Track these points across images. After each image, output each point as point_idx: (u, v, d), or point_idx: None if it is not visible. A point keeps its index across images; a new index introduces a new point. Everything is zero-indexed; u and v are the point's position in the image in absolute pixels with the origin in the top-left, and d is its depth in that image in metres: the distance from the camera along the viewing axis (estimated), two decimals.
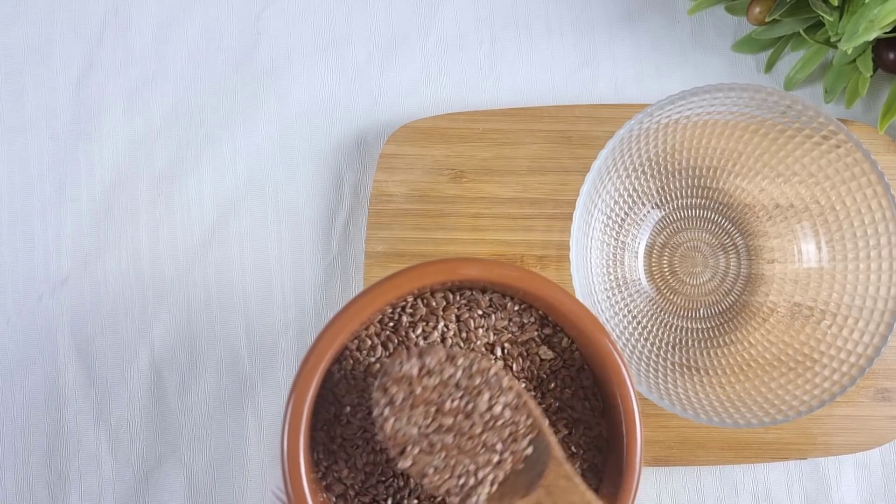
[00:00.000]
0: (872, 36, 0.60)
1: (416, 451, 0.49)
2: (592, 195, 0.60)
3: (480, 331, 0.55)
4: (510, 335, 0.56)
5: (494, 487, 0.49)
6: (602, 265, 0.64)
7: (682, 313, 0.66)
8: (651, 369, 0.62)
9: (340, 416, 0.54)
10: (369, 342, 0.55)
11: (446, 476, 0.50)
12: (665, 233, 0.66)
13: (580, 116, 0.67)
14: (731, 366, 0.63)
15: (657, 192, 0.66)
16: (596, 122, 0.67)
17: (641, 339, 0.64)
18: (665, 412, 0.64)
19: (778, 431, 0.66)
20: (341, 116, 0.70)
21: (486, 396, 0.50)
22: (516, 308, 0.56)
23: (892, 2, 0.59)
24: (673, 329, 0.66)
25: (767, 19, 0.65)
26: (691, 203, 0.66)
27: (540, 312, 0.56)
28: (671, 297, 0.66)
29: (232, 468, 0.67)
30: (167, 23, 0.71)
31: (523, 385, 0.55)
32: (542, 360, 0.56)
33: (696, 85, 0.59)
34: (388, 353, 0.54)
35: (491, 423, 0.50)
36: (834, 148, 0.59)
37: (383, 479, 0.54)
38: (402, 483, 0.54)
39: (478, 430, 0.50)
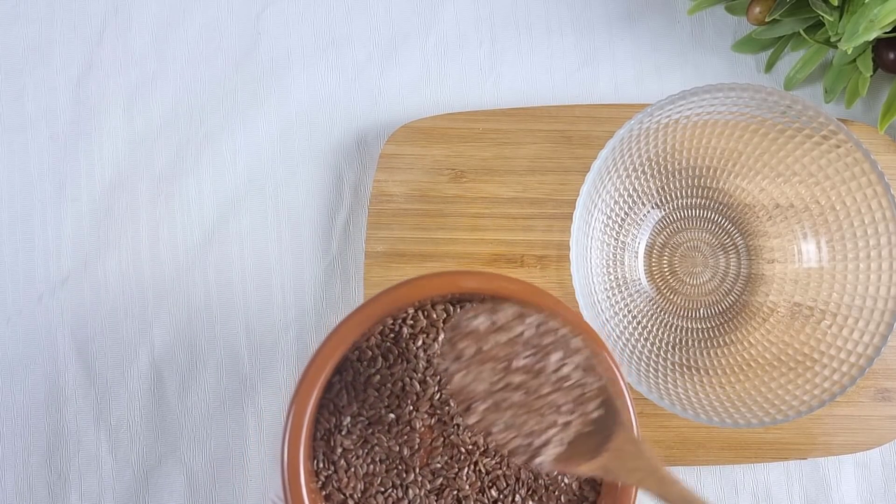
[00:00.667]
0: (872, 36, 0.60)
1: (483, 407, 0.49)
2: (592, 195, 0.60)
3: None
4: None
5: (561, 449, 0.49)
6: (602, 265, 0.64)
7: (682, 313, 0.66)
8: (651, 369, 0.62)
9: (341, 426, 0.54)
10: (370, 353, 0.55)
11: (512, 435, 0.49)
12: (665, 233, 0.66)
13: (580, 116, 0.67)
14: (731, 366, 0.63)
15: (657, 192, 0.66)
16: (596, 122, 0.67)
17: (641, 339, 0.64)
18: (665, 412, 0.64)
19: (778, 431, 0.66)
20: (341, 116, 0.70)
21: (555, 356, 0.49)
22: None
23: (892, 2, 0.59)
24: (673, 329, 0.66)
25: (767, 19, 0.65)
26: (691, 203, 0.66)
27: None
28: (671, 296, 0.66)
29: (232, 468, 0.67)
30: (167, 23, 0.71)
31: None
32: None
33: (696, 85, 0.59)
34: (388, 364, 0.55)
35: (559, 384, 0.49)
36: (834, 148, 0.59)
37: (383, 489, 0.54)
38: (400, 494, 0.54)
39: (546, 389, 0.48)
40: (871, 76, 0.65)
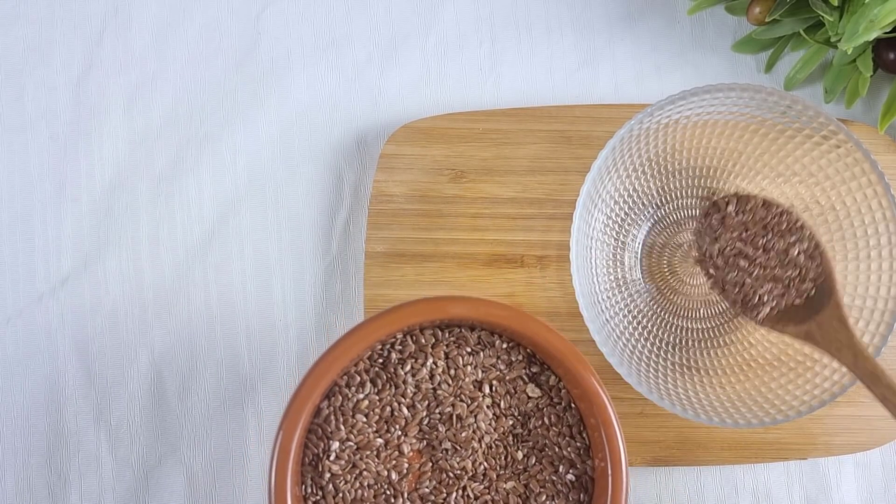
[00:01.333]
0: (872, 36, 0.60)
1: (714, 265, 0.61)
2: (592, 195, 0.60)
3: (469, 368, 0.57)
4: (498, 373, 0.57)
5: (774, 311, 0.59)
6: (602, 265, 0.64)
7: (682, 313, 0.66)
8: (651, 369, 0.62)
9: (329, 451, 0.55)
10: (358, 378, 0.56)
11: (735, 290, 0.60)
12: (665, 233, 0.66)
13: (580, 116, 0.67)
14: (732, 366, 0.63)
15: (657, 192, 0.66)
16: (596, 122, 0.67)
17: (641, 339, 0.64)
18: (665, 412, 0.64)
19: (778, 431, 0.66)
20: (341, 116, 0.70)
21: (787, 239, 0.59)
22: (504, 346, 0.57)
23: (892, 2, 0.59)
24: (673, 329, 0.66)
25: (767, 19, 0.65)
26: (692, 203, 0.66)
27: (528, 350, 0.57)
28: (671, 296, 0.66)
29: (232, 468, 0.67)
30: (167, 23, 0.71)
31: (510, 422, 0.57)
32: (529, 397, 0.57)
33: (697, 85, 0.59)
34: (376, 390, 0.55)
35: (785, 262, 0.59)
36: (834, 148, 0.59)
37: None
38: None
39: (772, 263, 0.59)
40: (871, 76, 0.65)
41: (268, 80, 0.70)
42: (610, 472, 0.54)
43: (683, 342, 0.65)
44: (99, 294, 0.68)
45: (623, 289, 0.65)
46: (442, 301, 0.54)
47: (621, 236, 0.65)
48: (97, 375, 0.67)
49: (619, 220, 0.65)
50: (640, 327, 0.64)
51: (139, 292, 0.68)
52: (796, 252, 0.59)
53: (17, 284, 0.68)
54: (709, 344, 0.65)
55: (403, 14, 0.71)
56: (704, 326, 0.66)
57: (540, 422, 0.57)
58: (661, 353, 0.64)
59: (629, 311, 0.65)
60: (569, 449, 0.56)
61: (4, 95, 0.70)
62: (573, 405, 0.57)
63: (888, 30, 0.61)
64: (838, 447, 0.66)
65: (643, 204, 0.66)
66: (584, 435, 0.57)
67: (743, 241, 0.60)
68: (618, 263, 0.65)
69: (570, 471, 0.56)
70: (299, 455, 0.53)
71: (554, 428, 0.57)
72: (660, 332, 0.65)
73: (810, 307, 0.58)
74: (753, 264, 0.60)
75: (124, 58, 0.70)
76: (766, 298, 0.59)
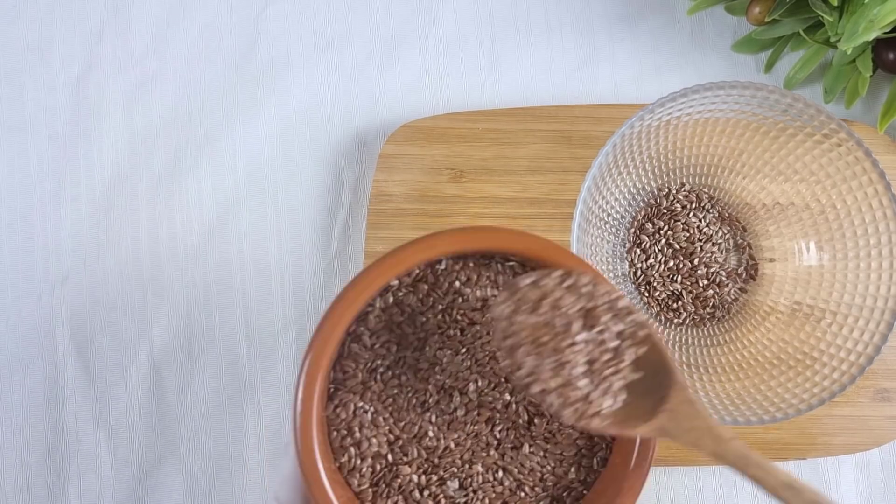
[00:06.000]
0: (872, 36, 0.60)
1: (530, 361, 0.47)
2: (593, 193, 0.60)
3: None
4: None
5: (613, 409, 0.48)
6: (602, 264, 0.64)
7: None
8: None
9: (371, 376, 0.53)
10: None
11: (559, 398, 0.47)
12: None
13: (580, 116, 0.68)
14: (731, 364, 0.63)
15: (657, 190, 0.66)
16: (595, 121, 0.67)
17: None
18: None
19: (777, 432, 0.66)
20: (341, 116, 0.70)
21: (604, 319, 0.48)
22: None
23: (891, 2, 0.59)
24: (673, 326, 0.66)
25: (767, 19, 0.65)
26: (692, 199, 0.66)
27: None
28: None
29: (231, 468, 0.67)
30: (167, 22, 0.71)
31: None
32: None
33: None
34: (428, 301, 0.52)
35: (603, 346, 0.48)
36: (835, 146, 0.59)
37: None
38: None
39: (589, 351, 0.47)
40: (871, 76, 0.65)
41: (267, 79, 0.70)
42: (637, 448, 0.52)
43: (683, 340, 0.65)
44: (98, 293, 0.68)
45: (624, 287, 0.65)
46: (499, 231, 0.50)
47: (621, 235, 0.65)
48: (96, 375, 0.67)
49: (619, 218, 0.65)
50: None
51: (139, 292, 0.68)
52: (619, 329, 0.48)
53: (16, 283, 0.68)
54: (709, 342, 0.65)
55: (403, 14, 0.71)
56: (704, 325, 0.66)
57: None
58: None
59: None
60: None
61: (4, 95, 0.70)
62: None
63: (887, 30, 0.61)
64: (838, 447, 0.66)
65: (643, 202, 0.66)
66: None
67: (546, 332, 0.48)
68: (618, 262, 0.65)
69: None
70: (325, 383, 0.50)
71: None
72: (660, 330, 0.65)
73: (656, 393, 0.48)
74: (568, 359, 0.47)
75: (124, 57, 0.70)
76: (596, 397, 0.47)
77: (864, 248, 0.61)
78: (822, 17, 0.62)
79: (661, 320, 0.66)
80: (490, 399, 0.51)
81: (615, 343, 0.48)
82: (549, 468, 0.52)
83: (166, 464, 0.67)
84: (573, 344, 0.47)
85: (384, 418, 0.51)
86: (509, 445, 0.52)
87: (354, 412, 0.50)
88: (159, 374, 0.68)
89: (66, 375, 0.67)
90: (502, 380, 0.52)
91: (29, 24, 0.70)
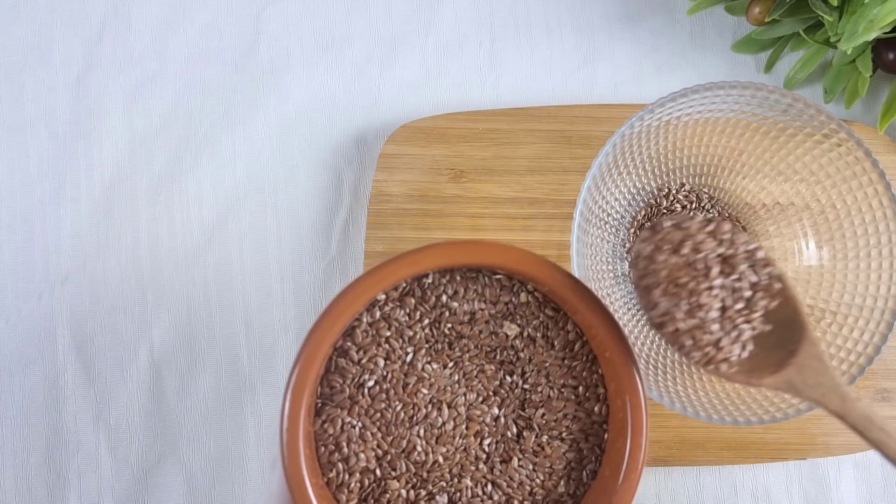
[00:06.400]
0: (872, 36, 0.60)
1: (666, 303, 0.50)
2: (593, 193, 0.60)
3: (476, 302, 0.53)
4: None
5: (742, 359, 0.50)
6: (602, 262, 0.64)
7: None
8: (651, 367, 0.62)
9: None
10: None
11: (688, 340, 0.50)
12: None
13: (579, 116, 0.68)
14: None
15: (657, 190, 0.66)
16: (595, 122, 0.67)
17: (641, 335, 0.64)
18: (665, 412, 0.64)
19: (777, 432, 0.66)
20: (341, 116, 0.70)
21: (739, 267, 0.50)
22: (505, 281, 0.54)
23: (891, 2, 0.59)
24: None
25: (767, 19, 0.65)
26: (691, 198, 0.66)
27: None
28: None
29: (231, 468, 0.67)
30: (167, 23, 0.71)
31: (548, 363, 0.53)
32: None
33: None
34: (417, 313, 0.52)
35: (742, 296, 0.50)
36: (835, 146, 0.59)
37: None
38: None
39: (726, 298, 0.49)
40: (871, 76, 0.65)
41: (267, 79, 0.70)
42: (629, 405, 0.52)
43: None
44: (98, 293, 0.68)
45: (623, 285, 0.65)
46: (472, 245, 0.50)
47: (621, 234, 0.65)
48: (96, 375, 0.67)
49: (619, 217, 0.65)
50: (640, 324, 0.64)
51: (139, 292, 0.68)
52: (754, 280, 0.50)
53: (16, 283, 0.68)
54: None
55: (403, 14, 0.71)
56: None
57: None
58: (661, 350, 0.64)
59: (629, 310, 0.65)
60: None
61: (4, 95, 0.70)
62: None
63: (887, 30, 0.61)
64: (837, 447, 0.66)
65: (643, 202, 0.66)
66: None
67: (686, 272, 0.50)
68: (617, 261, 0.65)
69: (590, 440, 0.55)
70: (314, 386, 0.50)
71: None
72: None
73: (786, 346, 0.49)
74: (703, 301, 0.49)
75: (124, 58, 0.70)
76: (726, 344, 0.50)
77: (864, 248, 0.60)
78: (822, 17, 0.62)
79: None
80: (478, 413, 0.52)
81: (749, 293, 0.50)
82: (538, 481, 0.52)
83: (166, 464, 0.67)
84: (710, 288, 0.50)
85: (372, 433, 0.51)
86: (498, 459, 0.52)
87: (342, 427, 0.51)
88: (159, 374, 0.68)
89: (66, 375, 0.67)
90: (491, 393, 0.52)
91: (29, 24, 0.70)
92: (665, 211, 0.66)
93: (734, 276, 0.50)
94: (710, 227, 0.51)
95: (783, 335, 0.50)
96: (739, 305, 0.50)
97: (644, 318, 0.56)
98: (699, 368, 0.53)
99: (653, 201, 0.66)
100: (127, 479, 0.67)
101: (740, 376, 0.49)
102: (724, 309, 0.50)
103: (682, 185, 0.66)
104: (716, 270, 0.50)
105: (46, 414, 0.67)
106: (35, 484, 0.67)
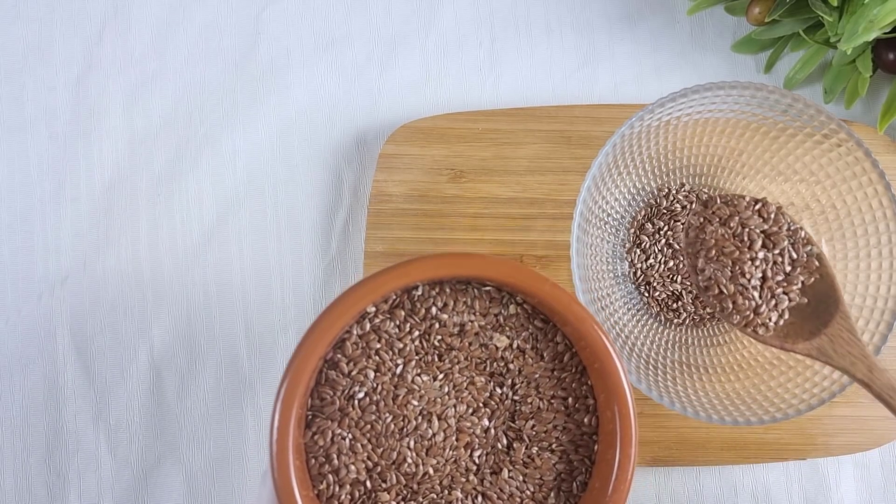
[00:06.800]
0: (872, 36, 0.60)
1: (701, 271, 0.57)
2: (593, 194, 0.60)
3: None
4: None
5: (778, 325, 0.56)
6: (602, 262, 0.64)
7: None
8: (651, 367, 0.62)
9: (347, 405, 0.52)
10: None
11: (728, 302, 0.56)
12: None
13: (579, 116, 0.68)
14: (731, 364, 0.63)
15: (657, 190, 0.66)
16: (595, 122, 0.67)
17: (641, 336, 0.64)
18: (664, 412, 0.64)
19: (777, 432, 0.66)
20: (341, 116, 0.70)
21: (782, 243, 0.56)
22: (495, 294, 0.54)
23: (891, 2, 0.59)
24: (673, 326, 0.66)
25: (767, 19, 0.65)
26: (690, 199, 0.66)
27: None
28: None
29: (231, 468, 0.67)
30: (167, 23, 0.71)
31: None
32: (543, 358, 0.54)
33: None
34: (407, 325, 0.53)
35: (784, 269, 0.56)
36: (835, 147, 0.59)
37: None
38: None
39: (768, 269, 0.56)
40: (871, 76, 0.65)
41: (267, 79, 0.70)
42: (618, 414, 0.52)
43: (683, 340, 0.65)
44: (98, 293, 0.68)
45: (623, 286, 0.65)
46: (467, 258, 0.51)
47: (621, 235, 0.65)
48: (96, 375, 0.67)
49: (619, 218, 0.65)
50: (639, 325, 0.64)
51: (138, 292, 0.68)
52: (794, 257, 0.57)
53: (16, 284, 0.68)
54: (708, 342, 0.65)
55: (403, 14, 0.71)
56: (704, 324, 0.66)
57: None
58: (661, 350, 0.64)
59: (629, 310, 0.65)
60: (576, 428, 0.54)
61: (4, 95, 0.70)
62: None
63: (887, 30, 0.61)
64: (837, 447, 0.66)
65: (643, 202, 0.66)
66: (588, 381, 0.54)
67: (732, 243, 0.56)
68: (617, 262, 0.65)
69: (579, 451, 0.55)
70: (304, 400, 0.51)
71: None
72: (660, 330, 0.65)
73: (819, 317, 0.55)
74: (746, 270, 0.56)
75: (124, 58, 0.70)
76: (764, 310, 0.56)
77: (864, 248, 0.61)
78: (822, 17, 0.62)
79: (660, 320, 0.66)
80: (469, 424, 0.52)
81: (789, 268, 0.56)
82: (528, 493, 0.52)
83: (166, 464, 0.67)
84: (753, 259, 0.56)
85: (362, 445, 0.51)
86: (488, 470, 0.52)
87: (332, 439, 0.51)
88: (159, 374, 0.68)
89: (66, 375, 0.67)
90: (481, 405, 0.52)
91: (29, 24, 0.70)
92: (665, 211, 0.66)
93: (776, 251, 0.56)
94: (758, 206, 0.57)
95: (818, 308, 0.55)
96: (779, 277, 0.56)
97: (690, 283, 0.63)
98: (738, 329, 0.58)
99: (653, 201, 0.66)
100: (127, 479, 0.67)
101: (775, 340, 0.55)
102: (764, 279, 0.56)
103: (682, 185, 0.66)
104: (759, 244, 0.56)
105: (46, 414, 0.67)
106: (35, 484, 0.67)
